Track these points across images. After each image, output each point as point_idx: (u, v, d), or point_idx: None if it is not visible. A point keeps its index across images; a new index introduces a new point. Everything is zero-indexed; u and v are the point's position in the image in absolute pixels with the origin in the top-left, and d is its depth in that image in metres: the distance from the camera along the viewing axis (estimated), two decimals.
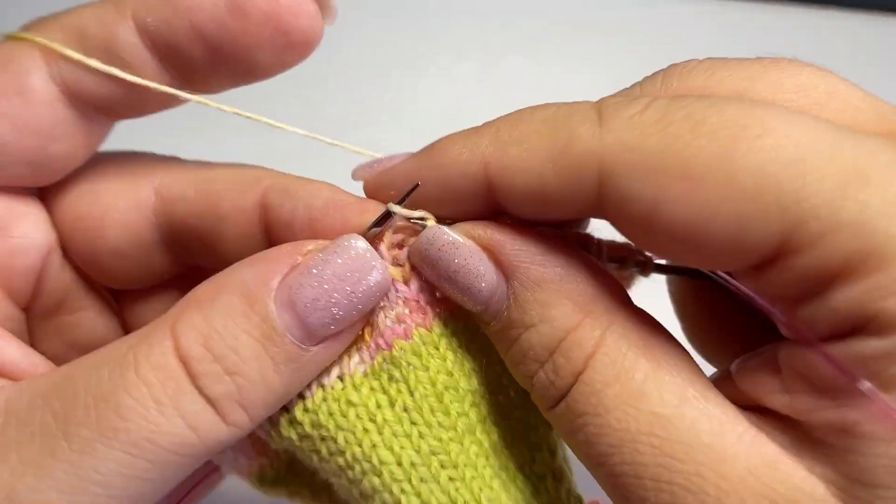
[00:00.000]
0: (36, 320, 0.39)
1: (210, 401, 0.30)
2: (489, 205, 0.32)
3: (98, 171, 0.37)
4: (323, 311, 0.31)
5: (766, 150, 0.26)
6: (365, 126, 0.83)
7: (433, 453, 0.34)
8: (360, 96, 0.87)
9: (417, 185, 0.33)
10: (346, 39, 0.91)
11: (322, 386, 0.33)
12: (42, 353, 0.38)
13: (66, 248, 0.38)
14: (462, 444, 0.35)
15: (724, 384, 0.31)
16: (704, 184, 0.26)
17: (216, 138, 0.40)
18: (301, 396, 0.33)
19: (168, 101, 0.36)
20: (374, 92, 0.89)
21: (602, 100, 0.30)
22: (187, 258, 0.39)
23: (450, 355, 0.35)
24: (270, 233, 0.35)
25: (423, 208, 0.33)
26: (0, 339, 0.35)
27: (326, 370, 0.33)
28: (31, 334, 0.39)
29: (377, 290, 0.32)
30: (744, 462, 0.27)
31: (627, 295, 0.32)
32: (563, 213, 0.31)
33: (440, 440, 0.34)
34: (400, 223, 0.34)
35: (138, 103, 0.35)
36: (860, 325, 0.26)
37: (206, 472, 0.40)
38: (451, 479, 0.34)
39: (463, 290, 0.32)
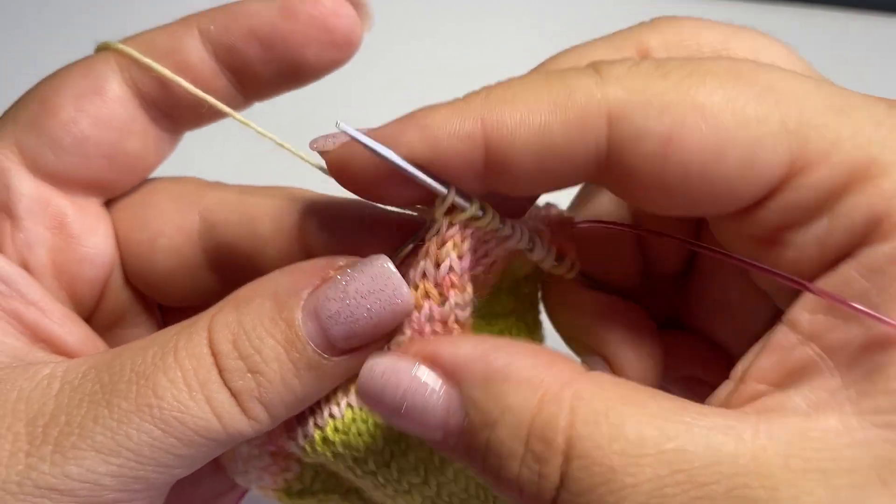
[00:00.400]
0: (97, 331, 0.41)
1: (233, 393, 0.32)
2: (480, 177, 0.31)
3: (148, 196, 0.41)
4: (343, 324, 0.32)
5: (765, 84, 0.29)
6: None
7: (461, 471, 0.35)
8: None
9: (449, 194, 0.31)
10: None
11: (351, 406, 0.34)
12: None
13: (124, 267, 0.41)
14: None
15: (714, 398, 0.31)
16: (714, 115, 0.28)
17: (261, 152, 0.43)
18: (332, 416, 0.35)
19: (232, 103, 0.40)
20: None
21: (592, 61, 0.31)
22: (232, 276, 0.40)
23: None
24: (310, 251, 0.37)
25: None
26: (70, 321, 0.38)
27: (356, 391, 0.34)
28: None
29: (397, 311, 0.33)
30: (776, 450, 0.26)
31: (577, 364, 0.31)
32: (566, 175, 0.31)
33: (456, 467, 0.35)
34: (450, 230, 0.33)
35: (197, 106, 0.39)
36: (866, 236, 0.28)
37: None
38: (480, 499, 0.35)
39: (420, 413, 0.30)
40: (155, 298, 0.43)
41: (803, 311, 0.29)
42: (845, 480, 0.26)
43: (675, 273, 0.41)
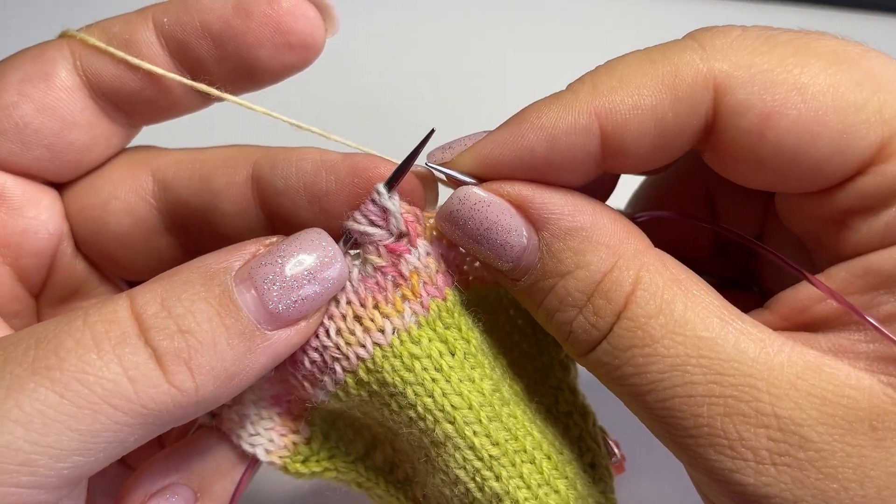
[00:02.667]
0: (49, 307, 0.40)
1: (155, 353, 0.29)
2: (599, 163, 0.32)
3: (99, 165, 0.39)
4: (280, 290, 0.31)
5: (865, 70, 0.30)
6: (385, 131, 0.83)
7: (495, 391, 0.35)
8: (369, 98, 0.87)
9: (408, 164, 0.33)
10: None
11: (379, 345, 0.34)
12: None
13: (76, 240, 0.40)
14: (504, 388, 0.36)
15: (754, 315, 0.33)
16: (815, 97, 0.29)
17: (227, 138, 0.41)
18: (360, 358, 0.34)
19: (183, 106, 0.38)
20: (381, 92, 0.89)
21: (692, 31, 0.33)
22: (190, 242, 0.40)
23: (463, 320, 0.36)
24: (265, 203, 0.37)
25: (531, 177, 0.33)
26: None
27: (381, 329, 0.34)
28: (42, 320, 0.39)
29: (333, 282, 0.33)
30: (790, 369, 0.29)
31: (648, 239, 0.34)
32: (675, 150, 0.32)
33: (493, 380, 0.36)
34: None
35: (153, 101, 0.37)
36: None
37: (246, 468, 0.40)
38: (509, 415, 0.35)
39: (495, 247, 0.33)
40: (112, 272, 0.41)
41: (841, 270, 0.31)
42: (840, 412, 0.28)
43: (748, 248, 0.43)
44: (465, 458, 0.34)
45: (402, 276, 0.34)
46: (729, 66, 0.30)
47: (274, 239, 0.33)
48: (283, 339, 0.32)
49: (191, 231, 0.39)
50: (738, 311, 0.32)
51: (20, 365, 0.28)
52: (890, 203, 0.30)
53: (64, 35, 0.37)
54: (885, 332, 0.29)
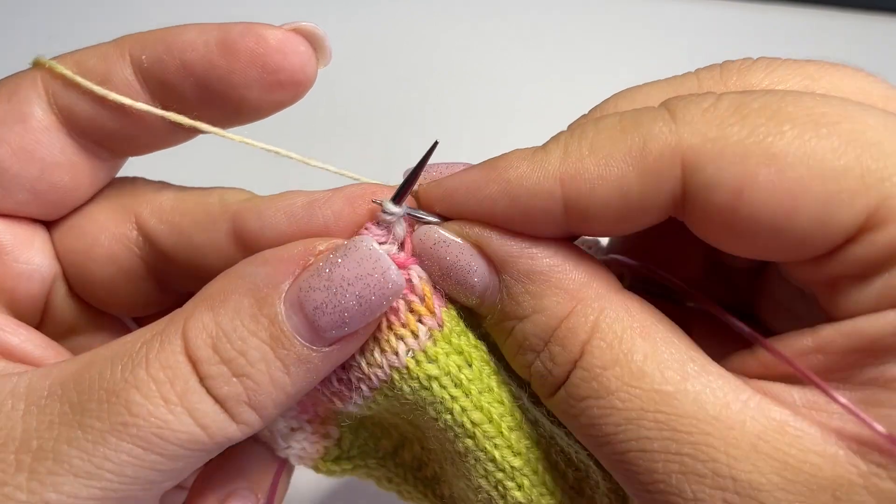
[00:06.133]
0: (50, 338, 0.39)
1: (219, 401, 0.30)
2: (561, 225, 0.31)
3: (86, 204, 0.38)
4: (332, 314, 0.30)
5: (847, 133, 0.27)
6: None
7: (516, 397, 0.35)
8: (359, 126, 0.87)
9: (413, 178, 0.33)
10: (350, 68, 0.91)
11: (395, 368, 0.34)
12: None
13: (67, 280, 0.39)
14: (523, 394, 0.36)
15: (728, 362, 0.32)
16: (790, 167, 0.27)
17: (218, 169, 0.40)
18: (381, 379, 0.34)
19: (165, 140, 0.37)
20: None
21: (668, 99, 0.30)
22: (180, 285, 0.39)
23: (467, 328, 0.36)
24: (252, 252, 0.35)
25: (492, 225, 0.32)
26: (23, 329, 0.35)
27: (395, 351, 0.33)
28: None
29: (387, 295, 0.31)
30: (752, 428, 0.28)
31: (617, 281, 0.33)
32: (643, 220, 0.31)
33: (510, 385, 0.35)
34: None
35: (133, 137, 0.36)
36: None
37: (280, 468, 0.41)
38: (530, 421, 0.35)
39: (457, 285, 0.33)
40: (104, 309, 0.40)
41: (827, 326, 0.30)
42: (801, 479, 0.27)
43: (749, 268, 0.41)
44: (486, 470, 0.34)
45: (413, 290, 0.33)
46: (699, 139, 0.28)
47: (323, 246, 0.32)
48: (339, 351, 0.32)
49: (178, 278, 0.38)
50: (707, 361, 0.30)
51: (98, 419, 0.29)
52: (882, 270, 0.28)
53: (37, 64, 0.35)
54: (853, 409, 0.27)
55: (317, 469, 0.40)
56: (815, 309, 0.33)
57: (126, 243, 0.37)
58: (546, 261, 0.32)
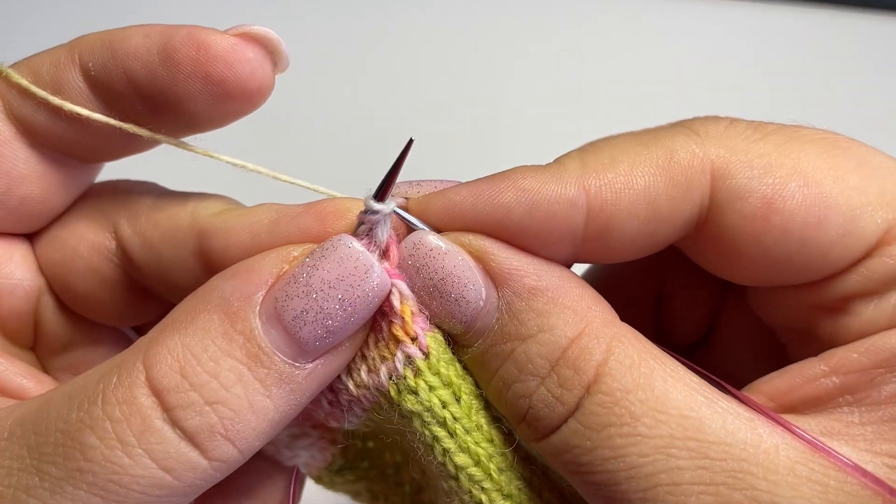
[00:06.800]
0: (46, 358, 0.38)
1: (188, 435, 0.27)
2: (576, 242, 0.30)
3: (65, 215, 0.36)
4: (314, 324, 0.28)
5: (861, 155, 0.29)
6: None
7: (506, 434, 0.32)
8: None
9: (394, 173, 0.30)
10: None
11: (381, 392, 0.31)
12: None
13: (53, 292, 0.37)
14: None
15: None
16: (817, 182, 0.28)
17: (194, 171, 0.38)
18: (370, 401, 0.31)
19: (129, 147, 0.35)
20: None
21: (682, 120, 0.31)
22: (165, 293, 0.37)
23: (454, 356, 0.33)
24: (216, 272, 0.33)
25: (499, 238, 0.30)
26: (3, 358, 0.34)
27: (378, 373, 0.31)
28: (46, 372, 0.38)
29: (374, 295, 0.29)
30: (785, 453, 0.27)
31: (615, 313, 0.31)
32: (663, 235, 0.30)
33: (501, 423, 0.32)
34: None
35: (95, 146, 0.34)
36: None
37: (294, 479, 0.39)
38: (523, 458, 0.32)
39: (449, 302, 0.30)
40: (94, 319, 0.38)
41: (839, 348, 0.29)
42: (843, 499, 0.26)
43: (692, 342, 0.41)
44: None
45: (392, 311, 0.30)
46: (726, 151, 0.29)
47: (296, 252, 0.29)
48: (324, 367, 0.29)
49: (159, 290, 0.36)
50: (718, 391, 0.29)
51: (54, 465, 0.26)
52: (894, 285, 0.29)
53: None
54: (818, 442, 0.27)
55: (319, 480, 0.38)
56: (775, 348, 0.34)
57: (105, 254, 0.35)
58: (553, 279, 0.29)
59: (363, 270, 0.28)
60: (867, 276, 0.29)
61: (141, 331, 0.41)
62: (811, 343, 0.31)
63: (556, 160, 0.30)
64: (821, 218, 0.28)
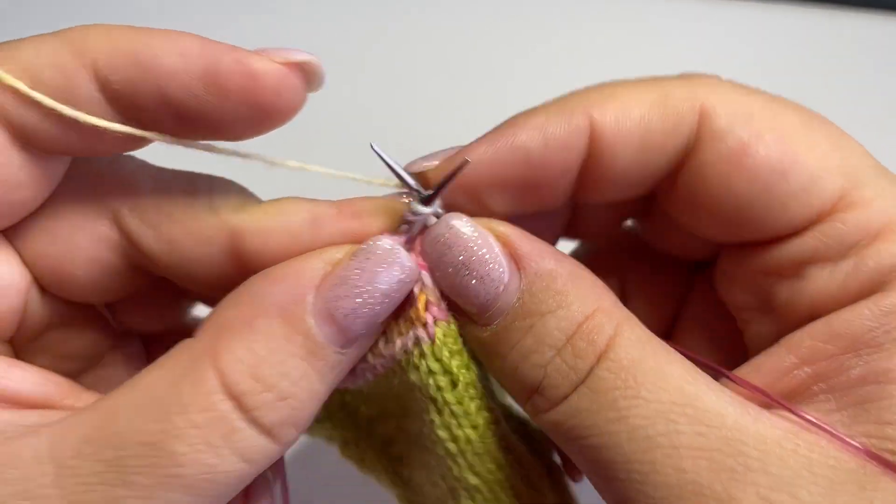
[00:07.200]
0: (21, 343, 0.37)
1: (265, 430, 0.30)
2: (574, 171, 0.33)
3: (51, 202, 0.34)
4: (363, 317, 0.31)
5: (834, 131, 0.33)
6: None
7: (494, 422, 0.36)
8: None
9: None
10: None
11: (397, 361, 0.34)
12: None
13: (41, 284, 0.36)
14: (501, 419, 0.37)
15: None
16: (789, 137, 0.32)
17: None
18: (376, 371, 0.35)
19: (131, 147, 0.33)
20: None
21: (679, 74, 0.34)
22: (162, 273, 0.37)
23: (465, 347, 0.36)
24: (249, 267, 0.34)
25: (526, 178, 0.33)
26: (16, 368, 0.33)
27: (392, 347, 0.34)
28: (18, 355, 0.37)
29: (408, 287, 0.33)
30: (772, 434, 0.29)
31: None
32: (654, 170, 0.34)
33: (491, 411, 0.36)
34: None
35: (96, 145, 0.32)
36: (886, 283, 0.30)
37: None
38: (503, 447, 0.36)
39: (476, 279, 0.32)
40: (77, 301, 0.38)
41: (805, 338, 0.32)
42: (828, 473, 0.28)
43: (674, 289, 0.43)
44: (445, 474, 0.36)
45: (412, 295, 0.33)
46: (715, 96, 0.32)
47: (339, 255, 0.32)
48: (360, 347, 0.33)
49: (163, 278, 0.36)
50: (709, 377, 0.31)
51: (143, 475, 0.28)
52: (848, 254, 0.31)
53: None
54: (820, 423, 0.29)
55: None
56: (735, 339, 0.37)
57: (107, 244, 0.35)
58: (569, 266, 0.33)
59: (402, 268, 0.32)
60: (821, 240, 0.32)
61: (112, 307, 0.40)
62: (768, 318, 0.34)
63: (557, 98, 0.33)
64: (787, 170, 0.31)
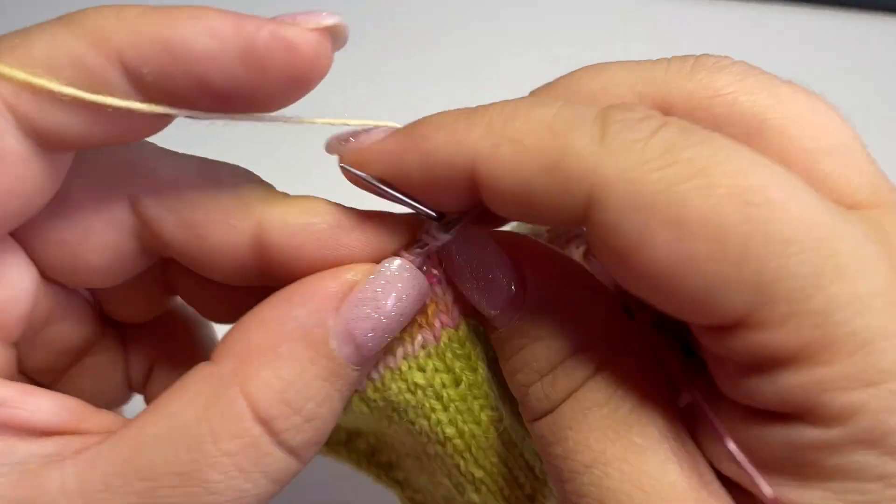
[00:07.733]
0: (23, 342, 0.37)
1: (293, 451, 0.31)
2: (471, 198, 0.31)
3: (65, 188, 0.32)
4: (380, 337, 0.32)
5: (761, 222, 0.25)
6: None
7: (497, 420, 0.37)
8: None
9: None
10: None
11: (389, 368, 0.36)
12: (29, 368, 0.38)
13: (45, 273, 0.35)
14: (508, 419, 0.38)
15: None
16: (692, 237, 0.25)
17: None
18: (370, 378, 0.36)
19: (149, 132, 0.32)
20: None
21: (607, 111, 0.28)
22: (190, 266, 0.36)
23: (475, 351, 0.37)
24: (270, 265, 0.34)
25: (404, 192, 0.33)
26: (31, 396, 0.32)
27: (392, 353, 0.35)
28: (19, 356, 0.37)
29: (421, 303, 0.34)
30: None
31: (633, 333, 0.32)
32: (543, 222, 0.33)
33: (496, 410, 0.37)
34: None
35: (122, 134, 0.31)
36: (801, 413, 0.26)
37: None
38: (508, 443, 0.37)
39: (488, 287, 0.33)
40: (76, 286, 0.37)
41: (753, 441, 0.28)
42: None
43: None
44: (450, 472, 0.38)
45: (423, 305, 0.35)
46: (614, 175, 0.26)
47: (351, 275, 0.33)
48: (374, 360, 0.34)
49: (190, 263, 0.36)
50: (685, 441, 0.30)
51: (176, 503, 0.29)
52: (777, 368, 0.26)
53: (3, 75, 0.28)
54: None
55: None
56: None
57: (124, 230, 0.34)
58: (570, 292, 0.32)
59: (418, 289, 0.33)
60: (731, 349, 0.27)
61: (95, 291, 0.40)
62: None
63: (473, 114, 0.31)
64: (681, 276, 0.26)
